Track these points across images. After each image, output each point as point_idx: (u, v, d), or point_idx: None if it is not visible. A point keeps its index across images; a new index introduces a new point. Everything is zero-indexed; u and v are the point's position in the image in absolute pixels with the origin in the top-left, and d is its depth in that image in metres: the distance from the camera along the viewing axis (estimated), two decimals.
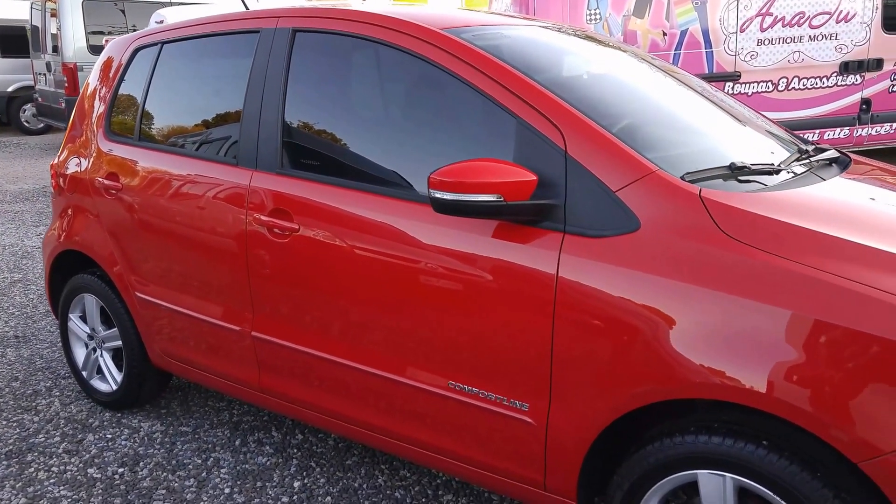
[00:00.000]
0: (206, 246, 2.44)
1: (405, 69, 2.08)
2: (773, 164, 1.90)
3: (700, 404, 1.78)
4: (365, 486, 2.51)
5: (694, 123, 2.12)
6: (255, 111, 2.33)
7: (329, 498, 2.45)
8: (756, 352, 1.49)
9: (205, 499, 2.48)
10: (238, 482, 2.57)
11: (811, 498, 1.48)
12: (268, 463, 2.68)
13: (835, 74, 5.75)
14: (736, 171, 1.80)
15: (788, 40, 5.64)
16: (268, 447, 2.79)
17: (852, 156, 2.32)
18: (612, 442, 1.86)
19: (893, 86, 5.83)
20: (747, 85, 5.70)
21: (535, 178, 1.70)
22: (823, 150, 2.23)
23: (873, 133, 5.90)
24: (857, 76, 5.77)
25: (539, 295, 1.74)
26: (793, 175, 1.90)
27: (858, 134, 5.89)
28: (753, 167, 1.83)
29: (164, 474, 2.63)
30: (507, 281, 1.79)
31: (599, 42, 2.53)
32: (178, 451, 2.79)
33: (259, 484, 2.55)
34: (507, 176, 1.68)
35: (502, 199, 1.68)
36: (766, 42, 5.64)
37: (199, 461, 2.71)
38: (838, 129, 5.84)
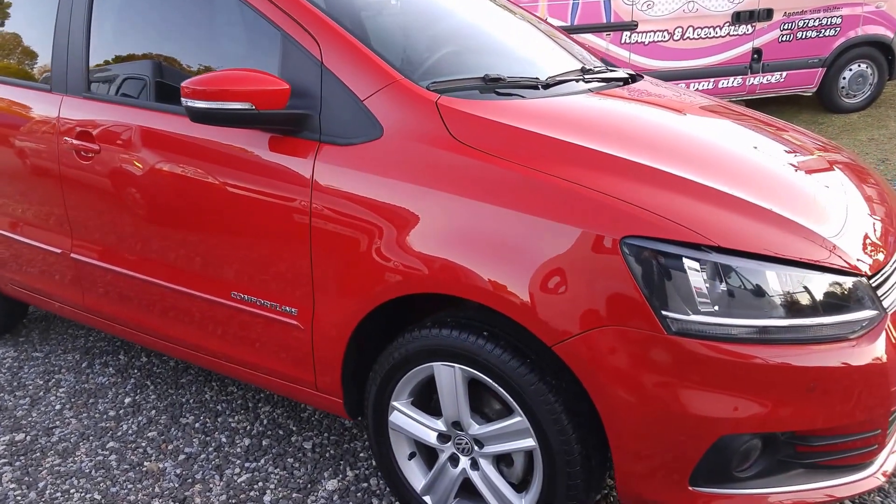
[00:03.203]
0: (28, 170, 2.47)
1: None
2: (536, 79, 1.99)
3: (470, 304, 1.88)
4: (191, 400, 2.61)
5: (482, 44, 2.20)
6: (63, 37, 2.35)
7: (154, 412, 2.55)
8: (475, 248, 1.59)
9: (34, 415, 2.56)
10: (72, 400, 2.65)
11: (521, 383, 1.61)
12: (106, 382, 2.76)
13: (727, 24, 5.86)
14: (491, 83, 1.89)
15: None
16: (111, 368, 2.86)
17: (647, 77, 2.42)
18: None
19: (783, 35, 5.97)
20: (644, 34, 5.78)
21: (287, 87, 1.77)
22: (614, 71, 2.33)
23: (764, 82, 6.06)
24: (749, 26, 5.89)
25: (298, 203, 1.82)
26: (570, 91, 1.99)
27: (751, 83, 6.04)
28: (508, 80, 1.92)
29: (1, 395, 2.70)
30: (272, 191, 1.86)
31: None
32: (24, 374, 2.85)
33: (91, 401, 2.64)
34: (259, 84, 1.74)
35: (254, 107, 1.74)
36: None
37: (41, 382, 2.78)
38: (731, 78, 5.98)
